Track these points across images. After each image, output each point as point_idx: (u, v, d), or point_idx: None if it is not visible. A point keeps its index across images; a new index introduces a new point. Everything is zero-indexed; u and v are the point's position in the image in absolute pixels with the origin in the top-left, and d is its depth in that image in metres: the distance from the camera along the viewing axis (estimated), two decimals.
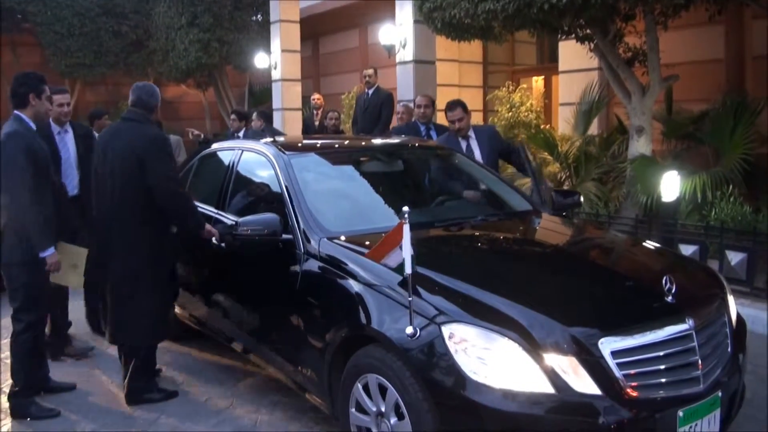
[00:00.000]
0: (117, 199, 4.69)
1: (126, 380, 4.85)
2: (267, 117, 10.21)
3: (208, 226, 4.91)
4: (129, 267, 4.72)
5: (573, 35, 8.13)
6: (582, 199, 5.64)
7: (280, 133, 10.15)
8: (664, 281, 3.45)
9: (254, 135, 9.25)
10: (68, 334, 5.89)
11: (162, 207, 4.80)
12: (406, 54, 12.12)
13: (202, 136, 10.08)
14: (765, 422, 4.21)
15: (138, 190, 4.66)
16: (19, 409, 4.67)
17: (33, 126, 4.65)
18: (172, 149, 5.19)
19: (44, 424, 4.59)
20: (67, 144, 5.95)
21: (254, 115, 10.19)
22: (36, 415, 4.66)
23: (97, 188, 4.88)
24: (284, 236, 4.26)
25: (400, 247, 3.24)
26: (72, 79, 18.78)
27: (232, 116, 10.67)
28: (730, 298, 3.89)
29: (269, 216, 4.31)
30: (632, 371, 3.10)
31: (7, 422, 4.63)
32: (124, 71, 18.44)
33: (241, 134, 9.94)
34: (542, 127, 11.01)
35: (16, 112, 4.64)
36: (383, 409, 3.40)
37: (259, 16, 17.44)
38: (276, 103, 16.23)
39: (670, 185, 6.86)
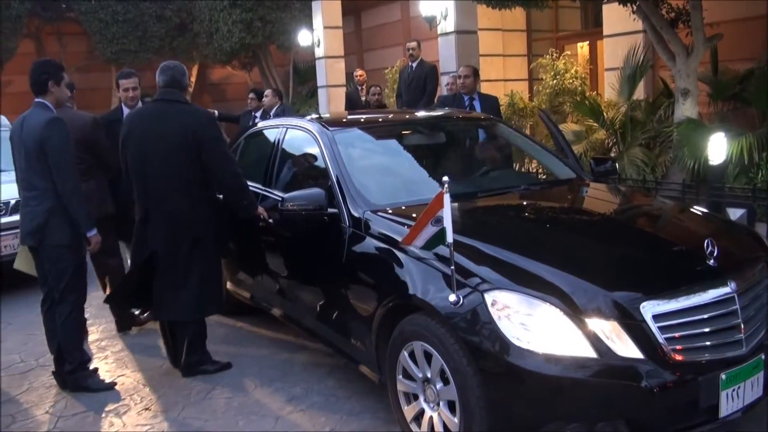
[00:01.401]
0: (173, 179, 4.76)
1: (183, 354, 5.03)
2: (281, 96, 10.27)
3: (260, 207, 5.04)
4: (183, 245, 4.81)
5: None
6: (616, 165, 5.59)
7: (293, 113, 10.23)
8: (705, 245, 3.45)
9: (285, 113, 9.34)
10: None
11: (222, 187, 4.95)
12: (447, 25, 12.06)
13: (216, 113, 10.08)
14: None
15: (194, 170, 4.77)
16: (77, 382, 4.86)
17: (55, 112, 4.77)
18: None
19: (103, 396, 4.79)
20: None
21: (268, 92, 10.16)
22: (94, 388, 4.86)
23: (140, 169, 4.86)
24: (330, 210, 4.36)
25: (431, 223, 3.30)
26: (118, 65, 19.09)
27: (251, 95, 10.68)
28: None
29: (314, 191, 4.42)
30: (674, 335, 3.13)
31: (48, 397, 4.83)
32: (170, 55, 18.62)
33: (258, 114, 9.98)
34: (587, 94, 10.89)
35: (38, 99, 4.75)
36: (429, 375, 3.49)
37: None
38: (320, 80, 16.31)
39: (717, 148, 6.75)
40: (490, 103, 8.02)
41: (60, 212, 4.65)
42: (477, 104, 7.90)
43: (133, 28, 18.37)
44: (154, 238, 4.87)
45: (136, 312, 6.17)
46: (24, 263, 4.94)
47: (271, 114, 9.54)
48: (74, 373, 4.86)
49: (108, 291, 5.91)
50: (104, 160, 5.68)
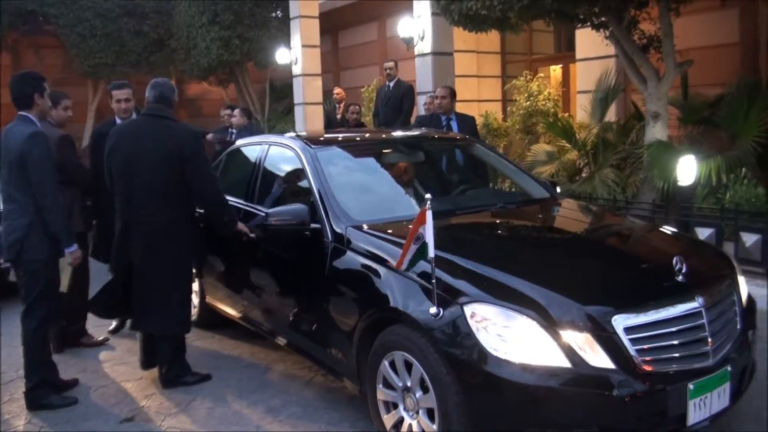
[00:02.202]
0: (155, 193, 4.83)
1: (163, 366, 5.10)
2: (249, 114, 10.14)
3: (240, 224, 5.14)
4: (162, 259, 4.88)
5: (588, 23, 8.24)
6: (558, 189, 5.84)
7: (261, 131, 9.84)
8: (674, 262, 3.61)
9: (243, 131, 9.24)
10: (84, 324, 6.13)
11: (202, 203, 5.06)
12: (424, 46, 12.24)
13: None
14: None
15: (177, 185, 4.84)
16: (37, 400, 4.80)
17: (39, 125, 4.81)
18: None
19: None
20: None
21: (237, 111, 10.07)
22: (55, 405, 4.82)
23: (123, 181, 4.92)
24: (312, 225, 4.47)
25: (414, 241, 3.45)
26: (95, 79, 19.10)
27: (227, 111, 10.67)
28: (741, 278, 4.04)
29: (297, 206, 4.53)
30: (645, 346, 3.27)
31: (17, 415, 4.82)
32: (147, 70, 18.65)
33: (235, 130, 9.94)
34: (560, 115, 11.12)
35: (22, 113, 4.76)
36: (409, 384, 3.61)
37: (278, 12, 17.61)
38: (297, 98, 16.42)
39: (687, 169, 6.97)
40: (466, 122, 8.19)
41: (39, 227, 4.66)
42: (454, 124, 8.06)
43: (110, 42, 18.38)
44: (134, 250, 4.93)
45: (114, 324, 6.25)
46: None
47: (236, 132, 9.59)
48: (33, 391, 4.81)
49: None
50: (72, 177, 5.63)
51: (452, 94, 8.33)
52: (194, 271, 5.67)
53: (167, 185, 4.83)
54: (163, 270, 4.90)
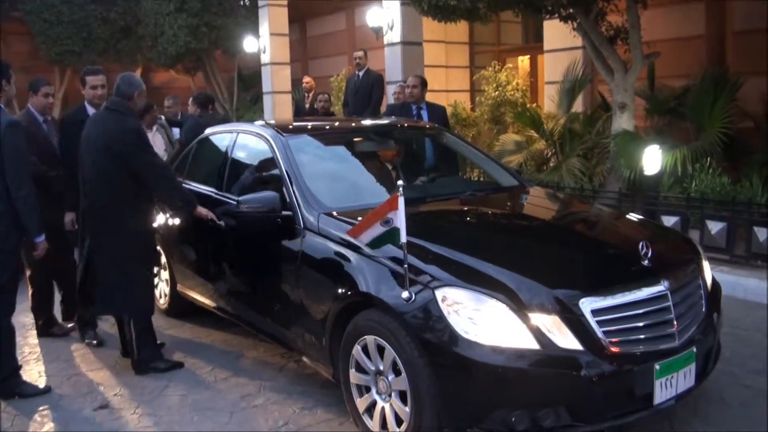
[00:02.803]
0: (99, 183, 4.93)
1: (133, 352, 5.11)
2: (202, 103, 9.33)
3: (201, 208, 5.15)
4: (114, 244, 4.96)
5: (557, 15, 8.32)
6: None
7: (220, 120, 8.95)
8: (641, 247, 3.69)
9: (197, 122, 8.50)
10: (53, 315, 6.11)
11: (153, 191, 5.15)
12: (393, 36, 12.27)
13: (163, 117, 9.54)
14: (742, 378, 4.49)
15: (119, 176, 4.89)
16: (10, 390, 4.76)
17: (6, 112, 4.74)
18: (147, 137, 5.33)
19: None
20: None
21: (190, 100, 9.75)
22: (28, 393, 4.79)
23: (82, 170, 5.07)
24: (284, 213, 4.50)
25: (380, 223, 3.50)
26: (62, 66, 18.86)
27: (170, 101, 10.49)
28: (705, 263, 4.15)
29: (269, 194, 4.55)
30: (612, 328, 3.35)
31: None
32: (114, 58, 18.50)
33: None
34: (528, 105, 11.21)
35: None
36: (381, 368, 3.65)
37: (246, 0, 17.53)
38: (266, 86, 16.38)
39: (652, 159, 7.10)
40: (437, 112, 8.21)
41: (9, 216, 4.59)
42: (424, 113, 8.09)
43: (77, 29, 18.16)
44: (88, 236, 5.09)
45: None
46: None
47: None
48: (6, 380, 4.77)
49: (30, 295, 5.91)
50: None
51: (423, 83, 8.34)
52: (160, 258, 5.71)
53: (112, 175, 4.91)
54: (112, 255, 4.98)
